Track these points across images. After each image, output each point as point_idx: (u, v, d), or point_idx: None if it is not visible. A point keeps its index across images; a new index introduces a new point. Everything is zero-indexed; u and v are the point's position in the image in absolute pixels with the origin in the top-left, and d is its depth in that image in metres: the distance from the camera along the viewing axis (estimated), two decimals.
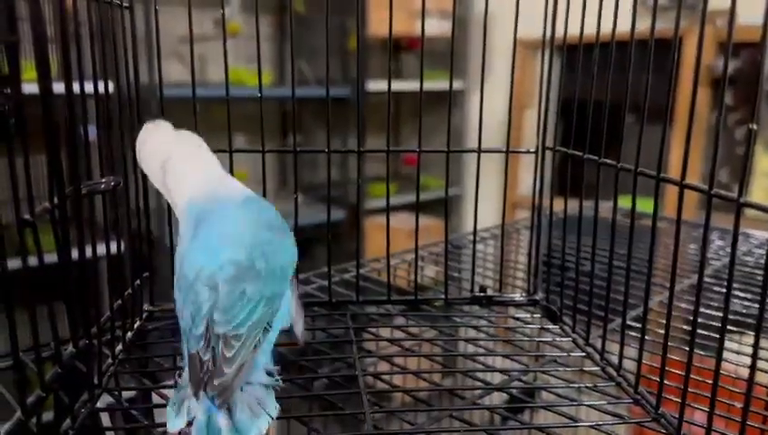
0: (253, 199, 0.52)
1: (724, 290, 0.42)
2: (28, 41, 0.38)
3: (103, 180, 0.50)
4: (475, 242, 0.71)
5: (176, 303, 0.47)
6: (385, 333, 0.65)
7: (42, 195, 0.40)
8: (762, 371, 0.59)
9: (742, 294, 0.77)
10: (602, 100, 0.53)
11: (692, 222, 1.09)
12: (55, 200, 0.40)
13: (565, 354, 0.59)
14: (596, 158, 0.56)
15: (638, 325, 0.54)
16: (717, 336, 0.43)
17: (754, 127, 0.38)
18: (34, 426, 0.40)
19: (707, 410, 0.43)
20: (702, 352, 0.59)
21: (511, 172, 0.67)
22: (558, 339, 0.61)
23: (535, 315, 0.68)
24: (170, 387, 0.53)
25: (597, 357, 0.57)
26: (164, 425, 0.41)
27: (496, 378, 0.56)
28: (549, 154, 0.67)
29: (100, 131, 0.53)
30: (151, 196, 0.60)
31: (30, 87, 0.37)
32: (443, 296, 0.69)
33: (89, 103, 0.48)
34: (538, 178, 0.67)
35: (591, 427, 0.48)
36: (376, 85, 2.16)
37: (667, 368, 0.48)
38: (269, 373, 0.45)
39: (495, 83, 0.80)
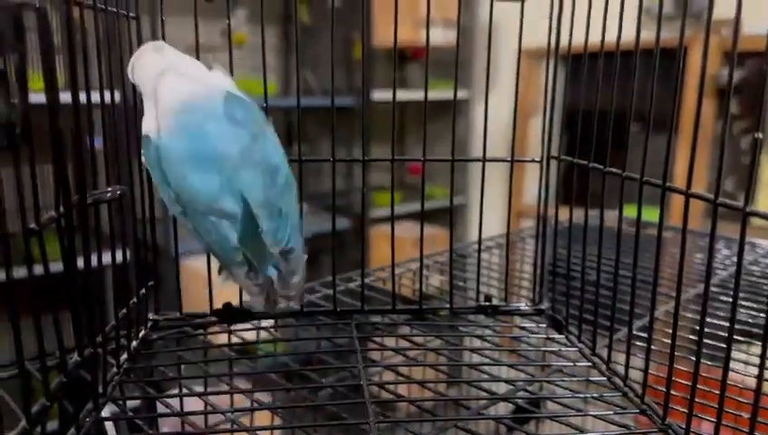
0: (233, 101, 0.52)
1: (731, 300, 0.42)
2: (35, 51, 0.38)
3: (109, 189, 0.50)
4: (480, 251, 0.70)
5: (164, 196, 0.51)
6: (390, 342, 0.64)
7: (48, 204, 0.40)
8: None
9: (748, 304, 0.76)
10: (607, 109, 0.53)
11: (698, 231, 1.09)
12: (61, 209, 0.41)
13: (571, 364, 0.58)
14: (601, 167, 0.56)
15: (645, 335, 0.54)
16: (724, 346, 0.43)
17: (760, 136, 0.38)
18: None
19: (715, 420, 0.43)
20: (709, 362, 0.59)
21: (516, 181, 0.67)
22: (564, 349, 0.61)
23: (541, 325, 0.67)
24: (175, 396, 0.53)
25: (603, 367, 0.57)
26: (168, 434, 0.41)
27: (502, 388, 0.55)
28: (554, 163, 0.67)
29: (106, 140, 0.53)
30: (157, 205, 0.60)
31: (36, 97, 0.37)
32: (448, 306, 0.69)
33: (95, 113, 0.49)
34: (543, 188, 0.67)
35: None
36: (381, 94, 2.17)
37: (673, 378, 0.48)
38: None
39: (500, 92, 0.81)
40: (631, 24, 0.51)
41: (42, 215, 0.38)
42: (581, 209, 0.60)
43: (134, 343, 0.57)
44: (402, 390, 0.56)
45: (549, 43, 0.64)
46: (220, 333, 0.64)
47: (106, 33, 0.51)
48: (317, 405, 0.55)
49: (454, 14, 0.63)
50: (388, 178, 0.67)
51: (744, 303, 0.76)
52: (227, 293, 0.63)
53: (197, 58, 0.58)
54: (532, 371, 0.59)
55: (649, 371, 0.52)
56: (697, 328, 0.44)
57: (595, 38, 0.56)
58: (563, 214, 0.66)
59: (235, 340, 0.63)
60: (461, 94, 2.49)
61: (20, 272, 0.36)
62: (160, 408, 0.51)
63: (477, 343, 0.64)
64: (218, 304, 0.64)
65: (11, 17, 0.34)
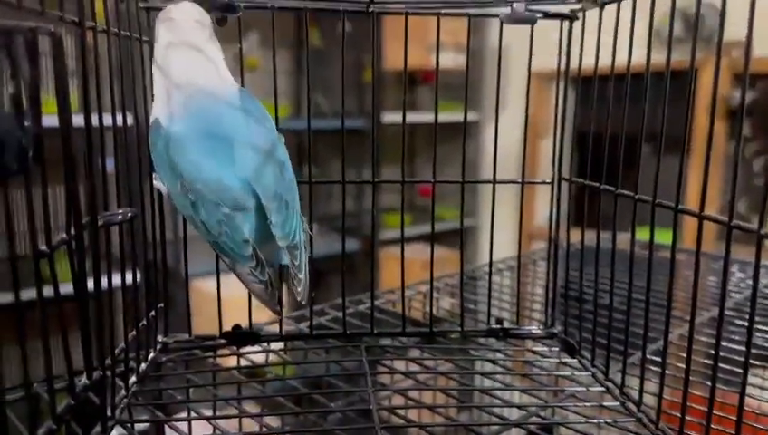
0: (246, 96, 0.54)
1: (746, 323, 0.41)
2: (49, 73, 0.39)
3: (120, 211, 0.50)
4: (491, 273, 0.70)
5: (164, 185, 0.53)
6: (400, 365, 0.64)
7: (59, 223, 0.40)
8: None
9: (764, 328, 0.75)
10: (617, 131, 0.53)
11: (711, 254, 1.08)
12: (72, 232, 0.41)
13: (584, 389, 0.57)
14: (613, 189, 0.56)
15: (659, 359, 0.53)
16: (740, 371, 0.42)
17: None
18: None
19: None
20: (724, 387, 0.58)
21: (526, 202, 0.67)
22: (577, 373, 0.60)
23: (553, 349, 0.66)
24: (183, 420, 0.53)
25: (617, 392, 0.56)
26: None
27: (514, 413, 0.54)
28: (565, 184, 0.67)
29: (117, 163, 0.53)
30: (168, 226, 0.60)
31: (49, 119, 0.37)
32: (459, 329, 0.68)
33: (107, 135, 0.49)
34: (554, 210, 0.67)
35: None
36: (391, 117, 2.18)
37: (688, 403, 0.47)
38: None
39: (510, 114, 0.81)
40: (641, 46, 0.51)
41: (52, 235, 0.38)
42: (593, 231, 0.60)
43: (143, 366, 0.57)
44: (412, 414, 0.56)
45: (558, 66, 0.64)
46: (229, 355, 0.63)
47: (119, 56, 0.52)
48: (326, 430, 0.54)
49: (463, 39, 0.64)
50: (398, 200, 0.67)
51: (759, 326, 0.75)
52: (237, 315, 0.63)
53: None
54: (544, 396, 0.58)
55: (664, 396, 0.51)
56: (712, 352, 0.44)
57: (605, 60, 0.56)
58: (575, 235, 0.65)
59: (244, 363, 0.63)
60: (471, 116, 2.50)
61: (30, 293, 0.36)
62: (169, 431, 0.50)
63: (489, 367, 0.63)
64: (228, 326, 0.63)
65: (25, 41, 0.35)
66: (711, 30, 1.64)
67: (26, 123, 0.36)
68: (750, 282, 0.89)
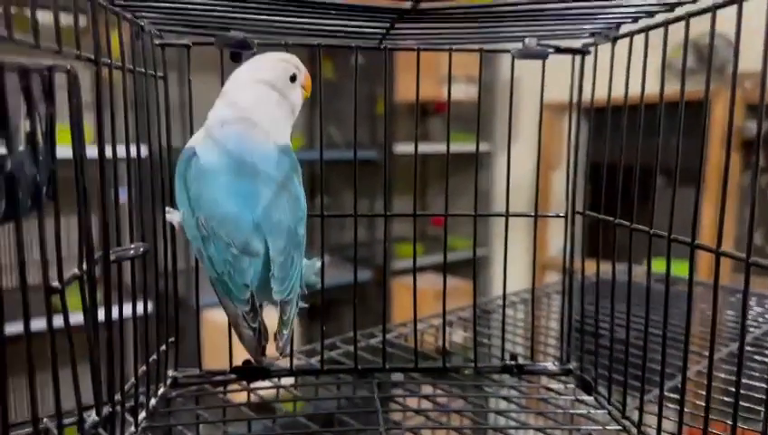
0: (286, 151, 0.54)
1: (766, 359, 0.40)
2: (65, 106, 0.39)
3: (132, 246, 0.50)
4: (504, 307, 0.69)
5: (179, 215, 0.53)
6: (412, 402, 0.63)
7: (71, 253, 0.40)
8: None
9: None
10: (631, 163, 0.53)
11: (728, 287, 1.06)
12: (84, 267, 0.41)
13: (600, 428, 0.56)
14: (628, 223, 0.55)
15: (677, 396, 0.52)
16: (761, 409, 0.41)
17: None
18: None
19: None
20: (744, 426, 0.56)
21: (540, 234, 0.67)
22: (593, 411, 0.59)
23: (569, 386, 0.65)
24: None
25: (634, 431, 0.55)
26: None
27: None
28: (578, 217, 0.66)
29: (131, 197, 0.53)
30: (180, 255, 0.60)
31: (63, 150, 0.37)
32: (472, 364, 0.67)
33: (121, 168, 0.49)
34: (568, 243, 0.66)
35: None
36: (403, 147, 2.19)
37: None
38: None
39: (522, 145, 0.81)
40: (653, 77, 0.51)
41: (65, 267, 0.38)
42: (608, 262, 0.59)
43: (153, 401, 0.57)
44: None
45: (571, 98, 0.64)
46: (239, 391, 0.63)
47: (134, 92, 0.53)
48: None
49: (475, 71, 0.64)
50: (410, 229, 0.67)
51: None
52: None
53: None
54: (560, 434, 0.57)
55: (682, 434, 0.50)
56: (731, 389, 0.43)
57: (618, 92, 0.56)
58: (589, 267, 0.64)
59: (254, 398, 0.62)
60: (483, 147, 2.51)
61: (40, 323, 0.35)
62: None
63: (503, 405, 0.62)
64: (238, 360, 0.63)
65: (42, 80, 0.35)
66: (723, 61, 1.64)
67: (41, 159, 0.36)
68: None
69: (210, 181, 0.51)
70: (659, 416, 0.52)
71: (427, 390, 0.66)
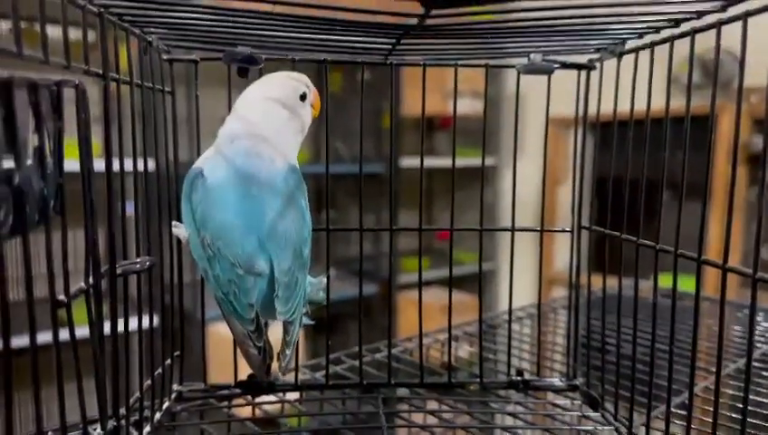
0: (293, 172, 0.54)
1: None
2: (72, 119, 0.39)
3: (138, 260, 0.50)
4: (510, 322, 0.69)
5: (185, 233, 0.54)
6: (418, 417, 0.62)
7: (77, 267, 0.40)
8: None
9: None
10: (638, 177, 0.53)
11: (735, 302, 1.05)
12: (90, 281, 0.41)
13: None
14: (634, 238, 0.55)
15: (684, 413, 0.51)
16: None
17: None
18: None
19: None
20: None
21: (546, 249, 0.66)
22: (599, 427, 0.59)
23: (575, 402, 0.65)
24: None
25: None
26: None
27: None
28: (585, 232, 0.66)
29: (137, 210, 0.54)
30: (186, 268, 0.60)
31: (70, 164, 0.38)
32: (478, 380, 0.67)
33: (128, 182, 0.50)
34: (575, 258, 0.66)
35: None
36: (409, 161, 2.20)
37: None
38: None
39: (528, 159, 0.81)
40: (659, 92, 0.51)
41: (71, 280, 0.38)
42: (614, 277, 0.59)
43: (158, 415, 0.56)
44: None
45: (576, 113, 0.64)
46: (244, 405, 0.63)
47: (142, 106, 0.53)
48: None
49: (481, 86, 0.65)
50: (416, 243, 0.67)
51: None
52: None
53: None
54: None
55: None
56: (738, 405, 0.42)
57: (624, 107, 0.56)
58: (596, 281, 0.64)
59: (258, 413, 0.62)
60: (489, 161, 2.51)
61: (46, 336, 0.36)
62: None
63: (509, 421, 0.62)
64: (243, 375, 0.63)
65: (50, 95, 0.35)
66: (729, 76, 1.64)
67: (48, 173, 0.36)
68: None
69: (216, 202, 0.51)
70: (666, 432, 0.51)
71: (433, 405, 0.66)
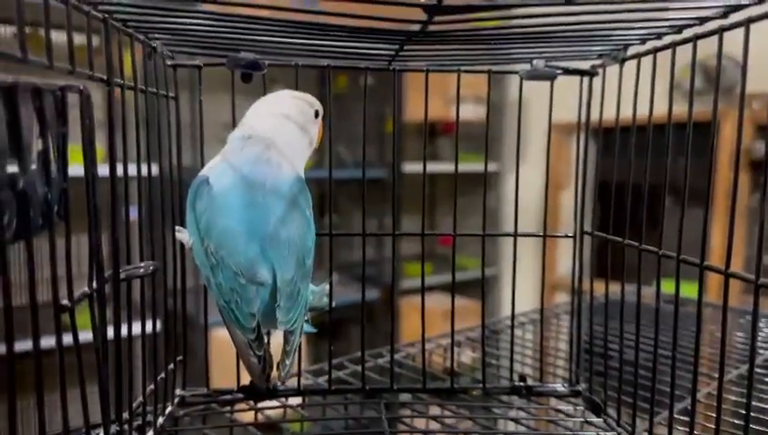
0: (299, 183, 0.54)
1: None
2: (77, 123, 0.39)
3: (142, 265, 0.50)
4: (513, 328, 0.69)
5: (189, 239, 0.54)
6: (420, 423, 0.62)
7: (81, 271, 0.40)
8: None
9: None
10: (640, 183, 0.53)
11: (737, 308, 1.05)
12: (94, 285, 0.41)
13: None
14: (636, 244, 0.55)
15: (686, 419, 0.51)
16: None
17: None
18: None
19: None
20: None
21: (548, 254, 0.66)
22: (602, 433, 0.58)
23: (578, 407, 0.65)
24: None
25: None
26: None
27: None
28: (587, 238, 0.66)
29: (141, 215, 0.54)
30: (189, 273, 0.60)
31: (74, 169, 0.38)
32: (481, 385, 0.67)
33: (132, 187, 0.50)
34: (577, 264, 0.66)
35: None
36: (412, 167, 2.20)
37: None
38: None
39: (531, 165, 0.81)
40: (661, 98, 0.51)
41: (75, 284, 0.39)
42: (617, 283, 0.59)
43: (160, 420, 0.57)
44: None
45: (579, 118, 0.64)
46: (247, 410, 0.62)
47: (146, 111, 0.53)
48: None
49: (484, 91, 0.65)
50: (419, 249, 0.67)
51: None
52: None
53: None
54: None
55: None
56: (741, 411, 0.42)
57: (626, 113, 0.56)
58: (598, 287, 0.64)
59: (261, 418, 0.62)
60: (491, 166, 2.51)
61: (49, 341, 0.36)
62: None
63: (511, 426, 0.62)
64: (245, 380, 0.63)
65: (55, 100, 0.36)
66: (731, 82, 1.64)
67: (52, 178, 0.36)
68: None
69: (221, 211, 0.51)
70: None
71: (435, 411, 0.65)
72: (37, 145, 0.35)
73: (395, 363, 0.67)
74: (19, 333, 0.33)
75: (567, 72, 0.62)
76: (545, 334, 0.70)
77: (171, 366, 0.60)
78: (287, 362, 0.53)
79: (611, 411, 0.61)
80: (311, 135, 0.57)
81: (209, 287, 0.52)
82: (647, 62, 0.54)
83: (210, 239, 0.51)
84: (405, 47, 0.55)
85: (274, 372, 0.53)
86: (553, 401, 0.67)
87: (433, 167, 2.36)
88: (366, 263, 0.67)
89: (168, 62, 0.59)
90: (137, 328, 0.51)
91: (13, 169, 0.33)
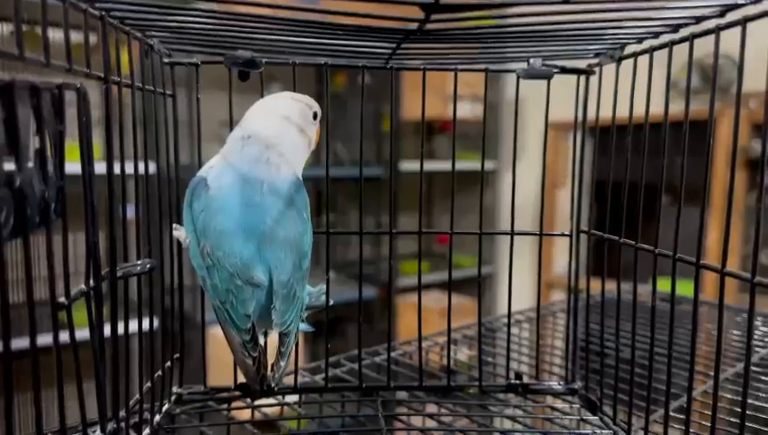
0: (297, 185, 0.54)
1: None
2: (74, 121, 0.39)
3: (139, 263, 0.50)
4: (509, 326, 0.69)
5: (185, 238, 0.54)
6: (417, 421, 0.62)
7: (78, 269, 0.40)
8: None
9: None
10: (637, 181, 0.53)
11: (733, 307, 1.05)
12: (91, 283, 0.41)
13: None
14: (632, 243, 0.55)
15: (682, 416, 0.51)
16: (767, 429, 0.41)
17: None
18: None
19: None
20: None
21: (545, 252, 0.67)
22: (598, 431, 0.59)
23: (574, 405, 0.65)
24: None
25: None
26: None
27: None
28: (583, 236, 0.66)
29: (138, 213, 0.54)
30: (186, 271, 0.60)
31: (72, 166, 0.38)
32: (477, 383, 0.67)
33: (129, 184, 0.50)
34: (573, 262, 0.66)
35: None
36: (409, 165, 2.20)
37: None
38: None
39: (527, 163, 0.81)
40: (658, 96, 0.52)
41: (72, 282, 0.39)
42: (613, 281, 0.59)
43: (157, 417, 0.57)
44: None
45: (576, 117, 0.64)
46: (244, 408, 0.63)
47: (143, 109, 0.53)
48: None
49: (481, 90, 0.65)
50: (416, 247, 0.67)
51: None
52: None
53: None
54: None
55: None
56: (737, 409, 0.43)
57: (623, 111, 0.56)
58: (594, 286, 0.64)
59: (258, 416, 0.62)
60: (488, 165, 2.51)
61: (46, 338, 0.36)
62: None
63: (508, 424, 0.62)
64: (242, 378, 0.63)
65: (52, 98, 0.36)
66: (728, 80, 1.65)
67: (49, 175, 0.36)
68: None
69: (218, 212, 0.51)
70: None
71: (432, 408, 0.66)
72: (34, 143, 0.35)
73: (392, 361, 0.67)
74: (16, 331, 0.33)
75: (564, 70, 0.62)
76: (542, 332, 0.70)
77: (168, 364, 0.60)
78: (281, 364, 0.53)
79: (607, 409, 0.61)
80: (309, 137, 0.57)
81: (204, 288, 0.52)
82: (643, 60, 0.54)
83: (207, 240, 0.51)
84: (402, 46, 0.55)
85: (269, 373, 0.53)
86: (550, 399, 0.67)
87: (430, 165, 2.36)
88: (363, 261, 0.67)
89: (166, 60, 0.59)
90: (134, 326, 0.51)
91: (10, 166, 0.33)
